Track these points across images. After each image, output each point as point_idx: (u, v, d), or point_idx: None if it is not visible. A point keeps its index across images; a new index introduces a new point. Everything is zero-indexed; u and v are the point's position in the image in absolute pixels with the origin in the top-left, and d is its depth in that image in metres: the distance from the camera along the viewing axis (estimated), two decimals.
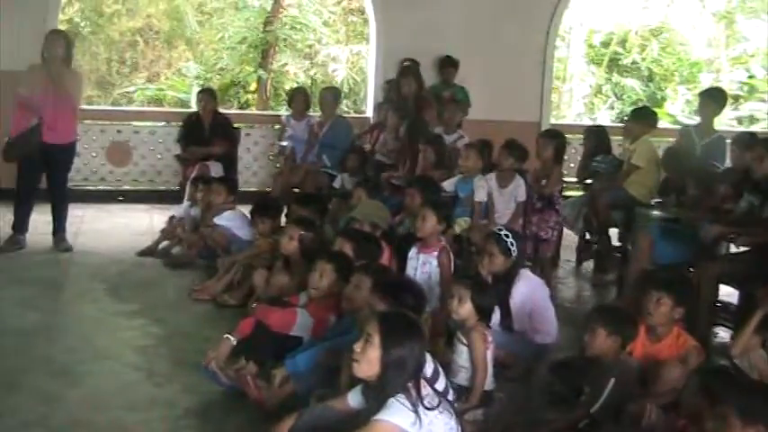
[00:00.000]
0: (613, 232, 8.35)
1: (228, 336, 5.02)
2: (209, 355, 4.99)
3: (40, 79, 7.99)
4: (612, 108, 20.28)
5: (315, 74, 19.17)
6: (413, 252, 6.04)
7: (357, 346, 3.61)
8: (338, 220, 7.53)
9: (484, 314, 4.78)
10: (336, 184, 9.15)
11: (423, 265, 5.95)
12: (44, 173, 8.38)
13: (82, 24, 18.74)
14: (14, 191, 8.42)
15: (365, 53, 16.54)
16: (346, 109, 16.39)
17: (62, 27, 12.37)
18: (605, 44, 20.76)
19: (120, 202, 11.08)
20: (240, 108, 17.97)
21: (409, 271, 5.96)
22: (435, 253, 5.94)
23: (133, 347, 5.72)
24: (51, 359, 5.44)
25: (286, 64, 19.05)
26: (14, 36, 10.28)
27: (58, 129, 8.07)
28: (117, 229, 9.50)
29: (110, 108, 16.08)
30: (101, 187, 11.29)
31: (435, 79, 11.12)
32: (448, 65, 11.09)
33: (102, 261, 7.99)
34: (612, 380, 4.41)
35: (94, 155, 11.23)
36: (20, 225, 8.33)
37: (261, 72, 18.64)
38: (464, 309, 4.73)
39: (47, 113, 7.97)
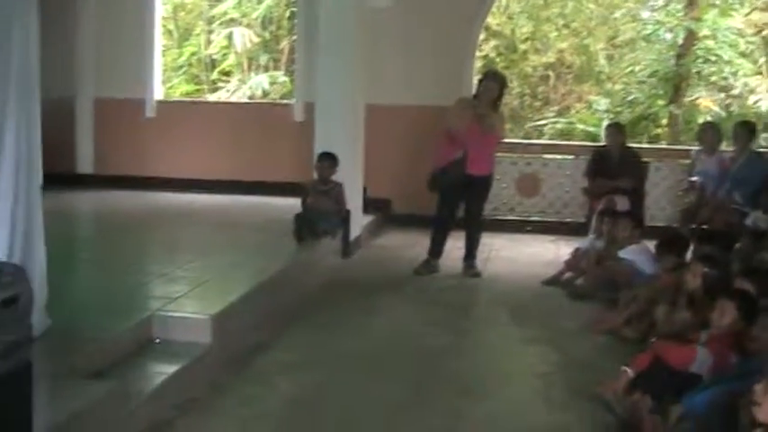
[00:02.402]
0: None
1: (626, 368, 5.06)
2: (607, 385, 5.06)
3: (467, 116, 8.53)
4: None
5: (730, 106, 18.45)
6: None
7: (758, 389, 3.52)
8: (749, 258, 7.24)
9: None
10: (748, 221, 8.79)
11: None
12: (462, 202, 8.90)
13: (497, 60, 19.51)
14: (433, 218, 8.98)
15: None
16: (764, 143, 15.61)
17: (478, 63, 12.99)
18: None
19: (528, 232, 11.42)
20: (650, 142, 17.72)
21: None
22: None
23: (532, 373, 5.91)
24: (458, 378, 5.76)
25: (698, 97, 18.54)
26: (434, 73, 11.02)
27: (480, 162, 8.60)
28: (524, 258, 9.84)
29: (521, 141, 16.60)
30: (510, 217, 11.68)
31: None
32: None
33: (507, 288, 8.33)
34: None
35: (505, 186, 11.69)
36: (435, 251, 8.89)
37: (672, 106, 18.29)
38: None
39: (471, 148, 8.49)
